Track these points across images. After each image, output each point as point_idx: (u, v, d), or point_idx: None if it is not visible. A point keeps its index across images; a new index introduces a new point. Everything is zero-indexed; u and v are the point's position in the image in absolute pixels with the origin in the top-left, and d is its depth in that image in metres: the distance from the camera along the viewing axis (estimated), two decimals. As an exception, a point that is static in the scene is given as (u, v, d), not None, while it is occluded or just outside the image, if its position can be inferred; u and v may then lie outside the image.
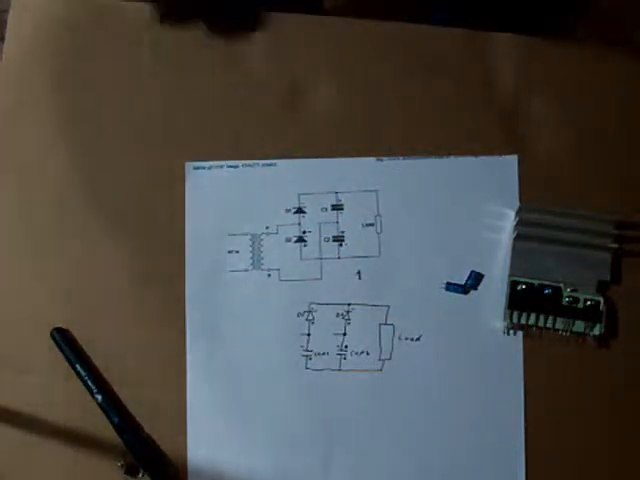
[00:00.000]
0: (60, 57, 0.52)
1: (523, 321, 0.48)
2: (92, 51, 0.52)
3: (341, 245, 0.50)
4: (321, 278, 0.50)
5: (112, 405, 0.48)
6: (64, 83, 0.52)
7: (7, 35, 0.52)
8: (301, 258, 0.50)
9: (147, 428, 0.49)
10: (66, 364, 0.49)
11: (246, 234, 0.50)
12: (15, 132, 0.51)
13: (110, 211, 0.50)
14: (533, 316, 0.48)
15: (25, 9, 0.52)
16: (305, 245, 0.50)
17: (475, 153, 0.50)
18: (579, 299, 0.48)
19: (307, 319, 0.49)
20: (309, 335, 0.49)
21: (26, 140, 0.51)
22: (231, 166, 0.51)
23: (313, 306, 0.49)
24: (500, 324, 0.49)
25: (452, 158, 0.50)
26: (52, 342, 0.49)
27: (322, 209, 0.50)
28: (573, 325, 0.48)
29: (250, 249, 0.50)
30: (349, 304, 0.49)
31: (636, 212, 0.49)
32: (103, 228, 0.50)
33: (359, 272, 0.50)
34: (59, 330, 0.49)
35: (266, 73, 0.51)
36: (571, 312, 0.48)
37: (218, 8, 0.50)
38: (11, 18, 0.52)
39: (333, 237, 0.50)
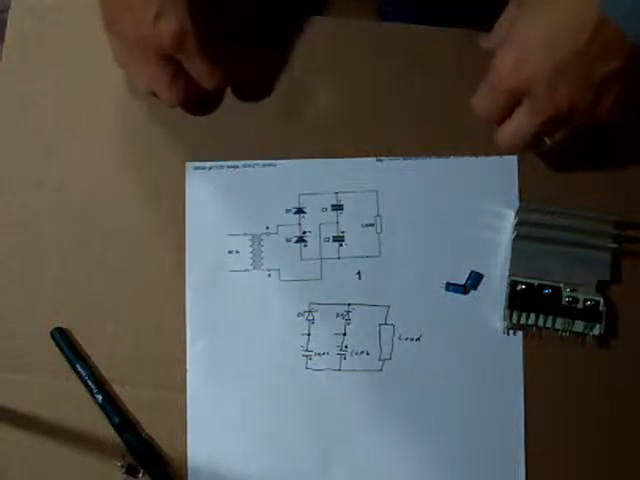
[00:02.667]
0: (60, 57, 0.52)
1: (523, 321, 0.48)
2: (92, 51, 0.52)
3: (341, 245, 0.50)
4: (321, 278, 0.50)
5: (112, 405, 0.48)
6: (64, 83, 0.52)
7: (7, 35, 0.52)
8: (301, 258, 0.50)
9: (147, 428, 0.49)
10: (66, 364, 0.49)
11: (246, 234, 0.50)
12: (15, 132, 0.51)
13: (110, 211, 0.50)
14: (533, 316, 0.48)
15: (25, 9, 0.52)
16: (305, 245, 0.50)
17: (475, 153, 0.50)
18: (579, 299, 0.48)
19: (307, 319, 0.49)
20: (309, 335, 0.49)
21: (26, 140, 0.51)
22: (231, 166, 0.51)
23: (313, 306, 0.49)
24: (500, 324, 0.49)
25: (452, 158, 0.50)
26: (52, 342, 0.49)
27: (322, 209, 0.50)
28: (573, 325, 0.48)
29: (250, 249, 0.50)
30: (349, 304, 0.49)
31: (636, 212, 0.49)
32: (103, 228, 0.50)
33: (359, 272, 0.50)
34: (59, 330, 0.49)
35: (266, 73, 0.51)
36: (571, 312, 0.48)
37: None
38: (11, 18, 0.52)
39: (333, 237, 0.50)
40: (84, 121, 0.51)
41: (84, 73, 0.52)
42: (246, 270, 0.50)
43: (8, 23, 0.52)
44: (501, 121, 0.45)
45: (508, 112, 0.44)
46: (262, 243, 0.50)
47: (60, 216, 0.51)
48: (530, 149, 0.47)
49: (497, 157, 0.50)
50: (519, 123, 0.44)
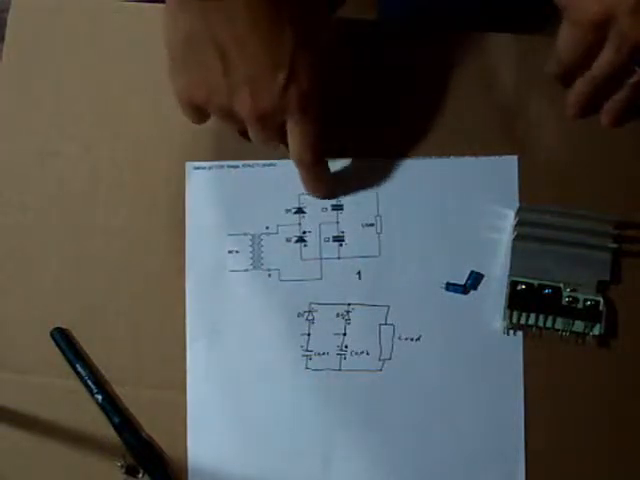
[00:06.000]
0: (60, 58, 0.52)
1: (523, 321, 0.48)
2: (92, 51, 0.52)
3: (341, 245, 0.50)
4: (321, 278, 0.50)
5: (112, 405, 0.48)
6: (64, 84, 0.52)
7: (7, 35, 0.52)
8: (301, 258, 0.50)
9: (147, 428, 0.49)
10: (66, 364, 0.49)
11: (246, 234, 0.50)
12: (15, 133, 0.51)
13: (110, 211, 0.50)
14: (533, 316, 0.48)
15: (25, 9, 0.52)
16: (305, 245, 0.50)
17: (475, 153, 0.50)
18: (579, 299, 0.48)
19: (307, 319, 0.49)
20: (309, 335, 0.49)
21: (26, 140, 0.51)
22: (231, 166, 0.51)
23: (313, 306, 0.49)
24: (500, 324, 0.49)
25: (452, 158, 0.50)
26: (52, 342, 0.49)
27: (322, 209, 0.50)
28: (573, 325, 0.48)
29: (250, 249, 0.50)
30: (349, 304, 0.49)
31: (636, 212, 0.49)
32: (103, 228, 0.50)
33: (359, 272, 0.50)
34: (59, 330, 0.49)
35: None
36: (571, 312, 0.48)
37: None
38: (11, 18, 0.52)
39: (333, 237, 0.50)
40: (84, 121, 0.51)
41: (84, 73, 0.52)
42: (246, 270, 0.50)
43: (8, 23, 0.52)
44: (586, 64, 0.44)
45: (593, 53, 0.43)
46: (262, 243, 0.50)
47: (60, 216, 0.51)
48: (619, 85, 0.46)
49: (497, 157, 0.50)
50: (608, 60, 0.43)
